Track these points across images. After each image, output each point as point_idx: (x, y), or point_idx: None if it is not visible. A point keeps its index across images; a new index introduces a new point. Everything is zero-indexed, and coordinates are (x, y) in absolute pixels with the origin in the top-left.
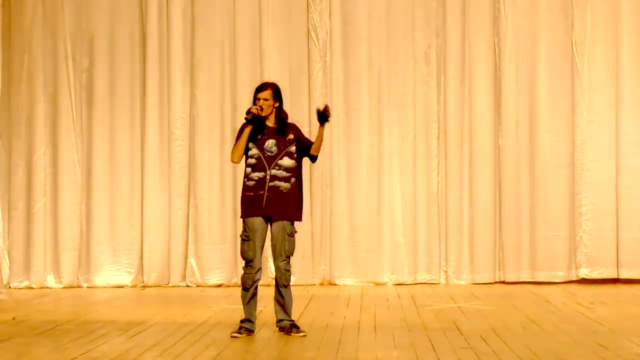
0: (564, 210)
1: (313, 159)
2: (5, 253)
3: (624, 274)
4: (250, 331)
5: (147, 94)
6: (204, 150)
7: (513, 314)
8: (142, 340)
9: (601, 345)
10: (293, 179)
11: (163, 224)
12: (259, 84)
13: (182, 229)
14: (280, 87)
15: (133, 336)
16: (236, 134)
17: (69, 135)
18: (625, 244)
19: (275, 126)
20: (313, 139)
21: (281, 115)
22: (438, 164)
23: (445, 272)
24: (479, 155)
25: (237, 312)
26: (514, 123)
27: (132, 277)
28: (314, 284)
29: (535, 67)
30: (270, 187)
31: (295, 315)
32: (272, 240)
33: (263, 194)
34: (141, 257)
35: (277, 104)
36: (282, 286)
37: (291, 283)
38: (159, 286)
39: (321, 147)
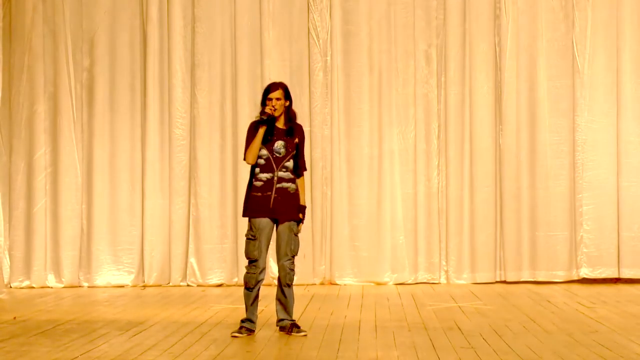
0: (564, 210)
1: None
2: (6, 252)
3: (625, 274)
4: (251, 331)
5: (148, 94)
6: (205, 149)
7: (514, 313)
8: (143, 340)
9: (602, 345)
10: (296, 180)
11: (163, 223)
12: (259, 83)
13: (182, 229)
14: None
15: (134, 336)
16: (246, 135)
17: (69, 135)
18: (626, 243)
19: (284, 127)
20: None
21: (290, 114)
22: (439, 163)
23: (446, 271)
24: (480, 155)
25: (238, 311)
26: (514, 122)
27: (132, 276)
28: (315, 284)
29: (535, 66)
30: (277, 188)
31: (295, 315)
32: (277, 240)
33: (270, 195)
34: (142, 257)
35: (287, 103)
36: (285, 285)
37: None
38: (160, 286)
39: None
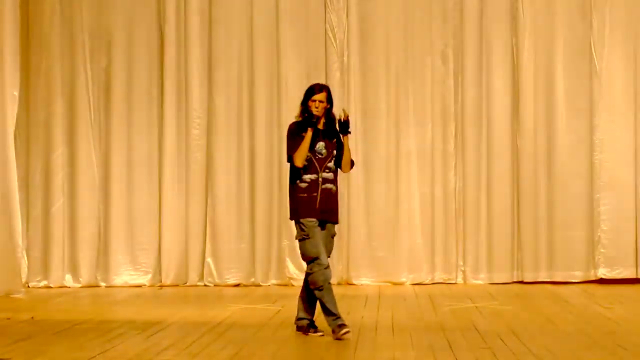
0: (582, 210)
1: (339, 165)
2: (24, 252)
3: None
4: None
5: (165, 94)
6: (222, 149)
7: (531, 314)
8: (160, 340)
9: (619, 346)
10: (336, 182)
11: (181, 223)
12: (275, 83)
13: (199, 229)
14: (297, 87)
15: (151, 336)
16: (288, 136)
17: (86, 135)
18: None
19: (324, 128)
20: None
21: (331, 116)
22: (456, 163)
23: (463, 271)
24: (497, 155)
25: (255, 311)
26: (532, 123)
27: (149, 276)
28: (332, 284)
29: (553, 66)
30: (322, 189)
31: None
32: None
33: (316, 196)
34: (159, 257)
35: (328, 106)
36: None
37: None
38: (177, 286)
39: (350, 163)
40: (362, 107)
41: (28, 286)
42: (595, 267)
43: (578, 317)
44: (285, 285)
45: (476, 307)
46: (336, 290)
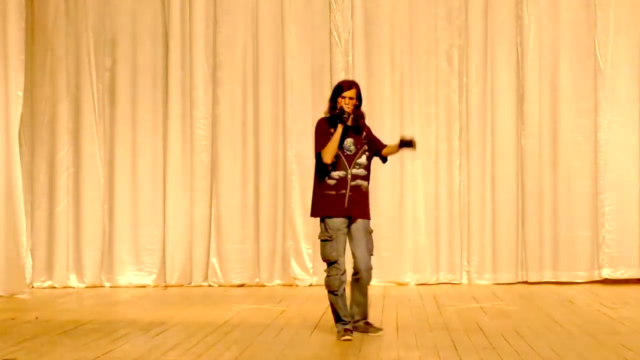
0: (586, 210)
1: (383, 159)
2: (29, 252)
3: None
4: (351, 331)
5: (170, 94)
6: (227, 150)
7: (535, 314)
8: (164, 340)
9: (624, 346)
10: (369, 177)
11: (185, 223)
12: (280, 83)
13: (204, 229)
14: (302, 87)
15: (155, 336)
16: (316, 132)
17: (91, 135)
18: None
19: (352, 125)
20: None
21: (359, 113)
22: (460, 163)
23: (468, 272)
24: (502, 155)
25: (260, 312)
26: (536, 122)
27: (154, 276)
28: None
29: (557, 66)
30: (352, 186)
31: (317, 316)
32: (354, 240)
33: (345, 194)
34: (163, 257)
35: (357, 103)
36: (365, 286)
37: (314, 283)
38: (181, 286)
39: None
40: (367, 107)
41: (32, 286)
42: (600, 267)
43: (582, 318)
44: (290, 285)
45: (481, 307)
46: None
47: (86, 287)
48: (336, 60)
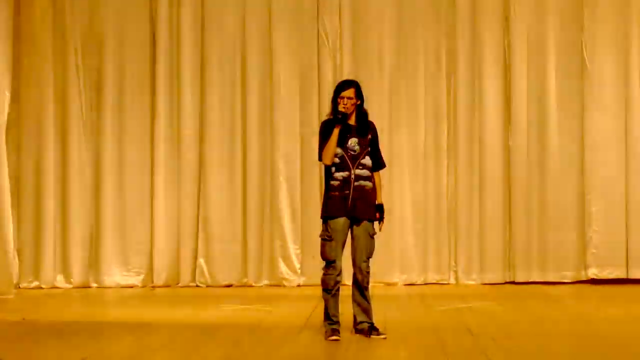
0: (573, 211)
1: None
2: (15, 253)
3: (634, 274)
4: (338, 331)
5: (157, 94)
6: (214, 150)
7: (523, 314)
8: (152, 341)
9: (611, 346)
10: (372, 178)
11: (172, 224)
12: (268, 84)
13: (191, 229)
14: (290, 87)
15: (142, 336)
16: (319, 135)
17: (78, 136)
18: (634, 244)
19: (355, 125)
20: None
21: (362, 112)
22: (448, 164)
23: (455, 272)
24: (489, 156)
25: (247, 312)
26: (524, 123)
27: (141, 277)
28: None
29: (545, 67)
30: (355, 186)
31: (305, 316)
32: (354, 241)
33: (349, 194)
34: (151, 258)
35: (358, 102)
36: (364, 289)
37: (301, 284)
38: (169, 286)
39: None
40: None
41: (19, 287)
42: (586, 268)
43: (569, 318)
44: (278, 285)
45: (468, 307)
46: None
47: (73, 288)
48: (324, 61)
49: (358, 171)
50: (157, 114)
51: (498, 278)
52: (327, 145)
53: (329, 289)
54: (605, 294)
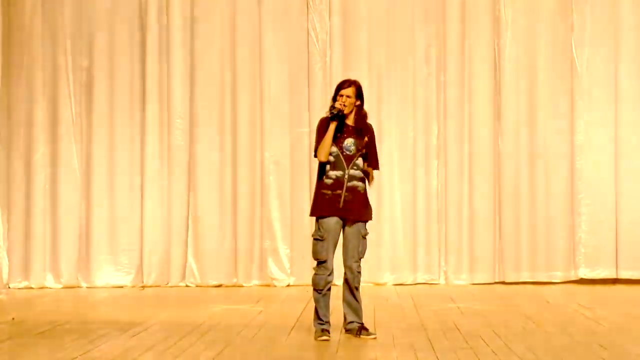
0: (563, 211)
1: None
2: (5, 253)
3: (623, 274)
4: (329, 332)
5: (147, 94)
6: (204, 150)
7: (513, 314)
8: (142, 341)
9: (601, 346)
10: (364, 179)
11: (163, 224)
12: (258, 84)
13: (181, 229)
14: (280, 87)
15: (133, 336)
16: (316, 131)
17: (68, 136)
18: (624, 244)
19: (354, 125)
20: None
21: (361, 113)
22: (438, 164)
23: (445, 272)
24: (479, 156)
25: (237, 312)
26: (513, 123)
27: (131, 277)
28: None
29: (535, 67)
30: (348, 187)
31: (294, 316)
32: (345, 241)
33: (341, 194)
34: (141, 257)
35: (358, 103)
36: (354, 288)
37: (291, 284)
38: (159, 286)
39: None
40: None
41: (9, 287)
42: (576, 268)
43: (559, 318)
44: (268, 285)
45: (458, 307)
46: None
47: (63, 288)
48: (313, 61)
49: (352, 172)
50: (147, 113)
51: (488, 278)
52: (323, 141)
53: (320, 289)
54: (595, 294)
